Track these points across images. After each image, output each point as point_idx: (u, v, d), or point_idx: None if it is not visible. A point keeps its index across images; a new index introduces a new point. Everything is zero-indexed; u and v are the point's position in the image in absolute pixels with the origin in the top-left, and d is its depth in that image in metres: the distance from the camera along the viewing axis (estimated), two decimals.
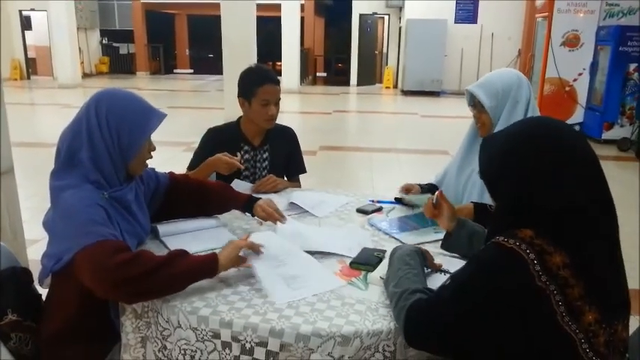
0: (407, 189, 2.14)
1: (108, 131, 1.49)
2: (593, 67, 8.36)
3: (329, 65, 19.03)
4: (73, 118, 1.53)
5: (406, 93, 14.42)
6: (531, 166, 1.07)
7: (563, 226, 1.03)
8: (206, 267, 1.40)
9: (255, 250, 1.51)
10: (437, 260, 1.53)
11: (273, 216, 1.81)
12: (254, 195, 1.96)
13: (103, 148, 1.48)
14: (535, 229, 1.04)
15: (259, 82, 2.31)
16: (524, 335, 1.02)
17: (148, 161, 1.65)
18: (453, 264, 1.52)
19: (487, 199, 1.80)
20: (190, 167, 2.44)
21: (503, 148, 1.13)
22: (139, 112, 1.54)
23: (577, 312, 1.00)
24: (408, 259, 1.35)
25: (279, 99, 2.37)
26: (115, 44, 20.19)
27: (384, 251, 1.61)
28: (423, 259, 1.41)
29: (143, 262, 1.31)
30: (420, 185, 2.18)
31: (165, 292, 1.34)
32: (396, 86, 15.79)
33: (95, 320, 1.48)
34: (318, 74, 18.22)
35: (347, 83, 16.48)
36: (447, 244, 1.63)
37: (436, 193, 1.67)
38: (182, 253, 1.40)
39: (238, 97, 2.37)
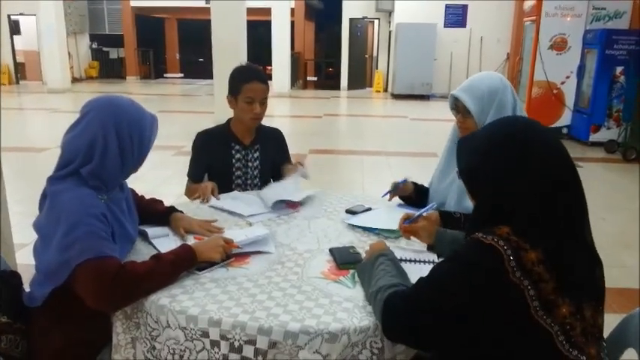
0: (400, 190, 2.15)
1: (130, 144, 1.52)
2: (581, 70, 8.46)
3: (319, 69, 19.00)
4: (81, 131, 1.49)
5: (396, 96, 14.49)
6: (505, 167, 1.10)
7: (539, 226, 1.06)
8: (186, 260, 1.49)
9: (231, 246, 1.59)
10: (407, 251, 1.61)
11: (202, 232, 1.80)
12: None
13: (118, 160, 1.50)
14: (511, 227, 1.07)
15: (245, 80, 2.31)
16: (500, 330, 1.04)
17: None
18: (424, 255, 1.61)
19: (465, 204, 1.82)
20: (189, 174, 2.45)
21: (481, 148, 1.16)
22: (147, 119, 1.58)
23: (551, 305, 1.02)
24: (383, 267, 1.37)
25: (265, 98, 2.35)
26: (104, 49, 20.07)
27: (354, 246, 1.68)
28: (397, 262, 1.43)
29: (137, 278, 1.37)
30: (414, 183, 2.19)
31: (153, 292, 1.40)
32: (386, 90, 15.87)
33: (86, 322, 1.49)
34: (308, 78, 18.20)
35: (337, 87, 16.53)
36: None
37: (398, 224, 1.72)
38: (160, 256, 1.47)
39: (227, 95, 2.38)
